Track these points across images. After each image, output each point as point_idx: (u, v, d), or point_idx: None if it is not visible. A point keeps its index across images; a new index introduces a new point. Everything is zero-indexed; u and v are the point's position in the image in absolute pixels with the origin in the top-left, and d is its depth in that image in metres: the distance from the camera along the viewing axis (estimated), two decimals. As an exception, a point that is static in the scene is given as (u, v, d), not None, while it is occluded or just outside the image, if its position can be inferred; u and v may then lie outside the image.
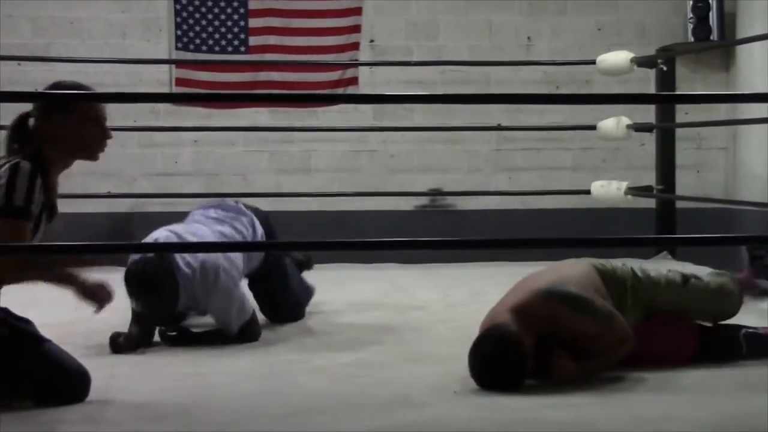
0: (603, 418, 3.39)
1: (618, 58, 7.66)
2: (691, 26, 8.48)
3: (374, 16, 8.54)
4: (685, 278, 4.20)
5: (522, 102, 9.07)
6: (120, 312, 5.35)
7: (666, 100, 7.35)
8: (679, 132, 8.24)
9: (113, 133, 3.85)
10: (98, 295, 3.83)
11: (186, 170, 8.46)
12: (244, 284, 5.08)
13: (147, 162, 8.36)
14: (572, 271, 4.06)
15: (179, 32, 8.16)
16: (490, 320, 3.94)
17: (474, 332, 3.94)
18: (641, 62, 7.64)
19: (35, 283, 3.61)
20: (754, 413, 3.42)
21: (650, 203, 8.04)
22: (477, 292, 6.29)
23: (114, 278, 6.75)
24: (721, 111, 8.74)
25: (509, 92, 8.45)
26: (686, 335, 4.18)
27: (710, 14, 8.42)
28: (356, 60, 8.38)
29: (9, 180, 3.50)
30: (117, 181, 8.21)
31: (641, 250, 7.61)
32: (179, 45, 8.16)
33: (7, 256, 3.45)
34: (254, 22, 8.28)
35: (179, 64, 8.14)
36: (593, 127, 7.95)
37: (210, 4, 8.18)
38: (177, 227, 4.97)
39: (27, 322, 3.66)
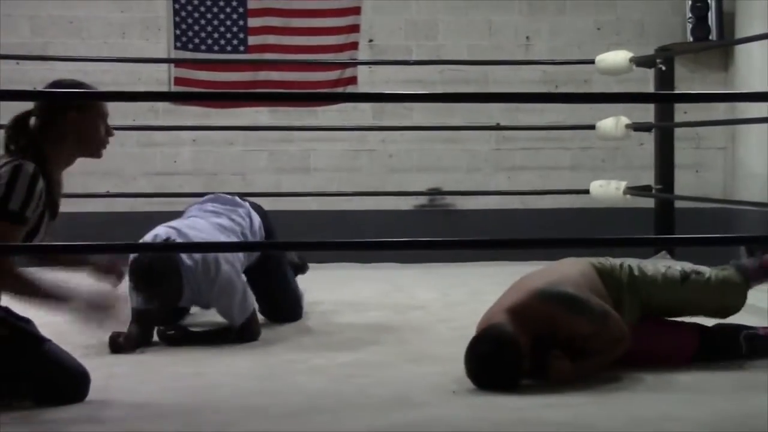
0: (601, 417, 3.40)
1: (617, 57, 7.66)
2: (690, 26, 8.49)
3: (373, 15, 8.54)
4: (685, 275, 4.18)
5: (521, 101, 9.08)
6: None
7: (665, 99, 7.34)
8: (678, 132, 8.24)
9: (113, 131, 3.87)
10: (113, 271, 3.85)
11: (185, 169, 8.46)
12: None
13: (146, 161, 8.36)
14: (569, 271, 4.06)
15: (178, 31, 8.15)
16: (487, 320, 3.95)
17: (473, 332, 3.95)
18: (640, 62, 7.64)
19: (29, 299, 3.56)
20: (753, 413, 3.43)
21: (649, 203, 8.04)
22: (476, 292, 6.29)
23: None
24: (720, 111, 8.75)
25: (508, 92, 8.46)
26: (687, 335, 4.18)
27: (709, 14, 8.43)
28: (355, 59, 8.37)
29: (9, 182, 3.49)
30: (116, 180, 8.21)
31: (640, 249, 7.61)
32: (178, 44, 8.16)
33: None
34: (253, 22, 8.27)
35: (178, 63, 8.14)
36: (592, 127, 7.96)
37: (209, 3, 8.18)
38: (175, 223, 5.02)
39: (27, 321, 3.66)
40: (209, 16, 8.18)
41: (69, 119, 3.68)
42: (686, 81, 8.60)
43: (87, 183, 7.68)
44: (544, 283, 3.94)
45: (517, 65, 8.55)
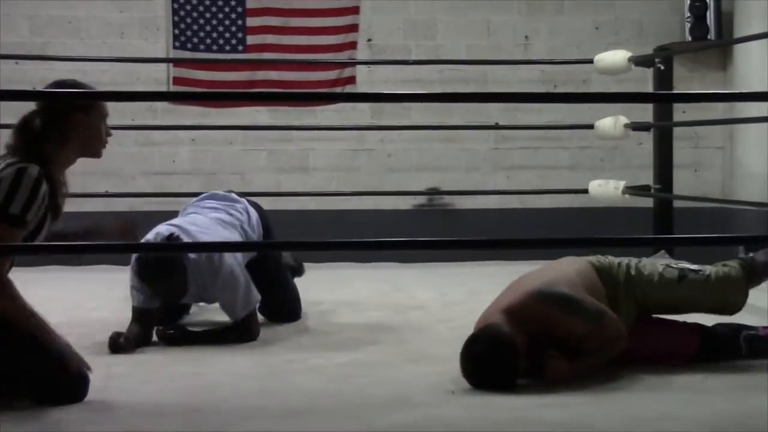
0: (600, 417, 3.40)
1: (615, 57, 7.66)
2: (688, 25, 8.49)
3: (372, 15, 8.54)
4: (683, 274, 4.17)
5: (520, 101, 9.08)
6: (118, 312, 5.38)
7: (663, 99, 7.33)
8: (677, 131, 8.24)
9: (111, 131, 3.90)
10: (126, 231, 3.97)
11: (184, 169, 8.46)
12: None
13: (145, 161, 8.36)
14: (566, 270, 4.07)
15: (177, 31, 8.15)
16: (484, 321, 3.96)
17: (471, 332, 3.95)
18: (639, 61, 7.63)
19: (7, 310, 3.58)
20: (753, 413, 3.43)
21: (648, 202, 8.03)
22: (475, 292, 6.29)
23: (113, 278, 6.79)
24: (719, 110, 8.75)
25: (507, 91, 8.46)
26: (687, 336, 4.18)
27: (708, 13, 8.43)
28: (354, 59, 8.37)
29: (12, 184, 3.51)
30: (115, 180, 8.21)
31: (639, 249, 7.61)
32: (177, 44, 8.15)
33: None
34: (252, 21, 8.27)
35: (177, 63, 8.13)
36: (591, 126, 7.95)
37: (208, 3, 8.17)
38: (176, 221, 5.07)
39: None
40: (208, 15, 8.17)
41: (74, 120, 3.70)
42: (685, 80, 8.60)
43: (86, 183, 7.68)
44: (539, 283, 3.94)
45: (516, 65, 8.55)
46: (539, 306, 3.86)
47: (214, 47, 8.19)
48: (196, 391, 3.83)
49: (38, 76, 7.97)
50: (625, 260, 4.24)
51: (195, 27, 8.16)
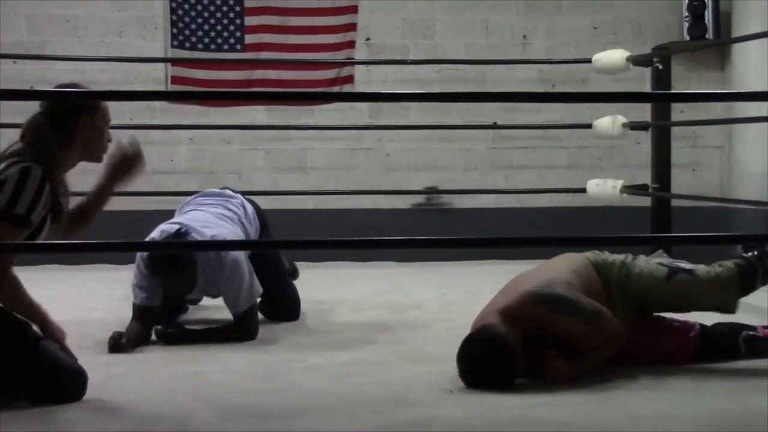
0: (599, 416, 3.40)
1: (614, 56, 7.66)
2: (686, 25, 8.49)
3: (370, 14, 8.54)
4: (672, 272, 4.15)
5: (518, 100, 9.08)
6: (117, 311, 5.39)
7: (661, 98, 7.33)
8: (675, 130, 8.24)
9: (111, 136, 3.93)
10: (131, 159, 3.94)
11: (182, 168, 8.46)
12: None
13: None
14: (563, 269, 4.07)
15: (175, 30, 8.15)
16: (480, 321, 3.96)
17: (469, 331, 3.95)
18: (637, 61, 7.64)
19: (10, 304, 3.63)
20: (752, 412, 3.43)
21: (646, 202, 8.03)
22: (473, 291, 6.30)
23: (113, 277, 6.79)
24: (717, 110, 8.75)
25: (505, 91, 8.46)
26: (687, 336, 4.18)
27: (706, 13, 8.43)
28: (352, 58, 8.37)
29: (17, 184, 3.53)
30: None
31: (637, 248, 7.61)
32: (175, 43, 8.16)
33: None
34: (250, 20, 8.27)
35: (175, 62, 8.13)
36: (589, 126, 7.96)
37: (206, 2, 8.18)
38: (177, 219, 5.08)
39: (25, 320, 3.67)
40: (206, 14, 8.17)
41: (79, 122, 3.72)
42: (683, 80, 8.61)
43: (83, 182, 7.66)
44: (535, 284, 3.95)
45: (514, 64, 8.55)
46: (535, 307, 3.87)
47: (213, 46, 8.19)
48: (194, 391, 3.83)
49: (36, 76, 7.99)
50: (620, 257, 4.23)
51: (193, 26, 8.16)
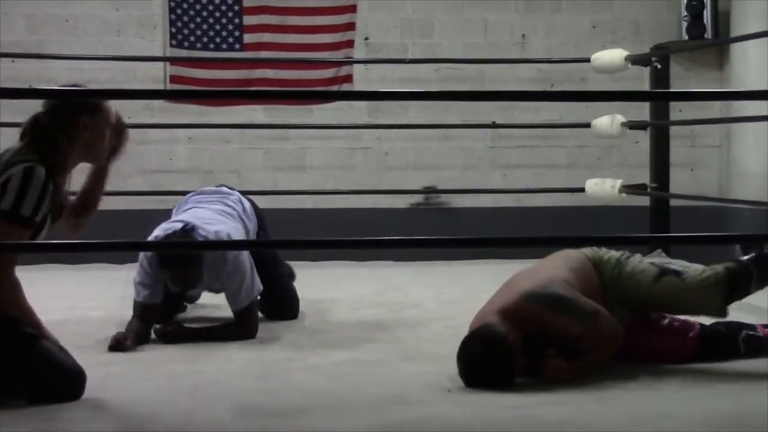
0: (598, 415, 3.40)
1: (612, 55, 7.66)
2: (685, 24, 8.49)
3: (369, 13, 8.53)
4: (661, 274, 4.13)
5: (517, 99, 9.07)
6: (116, 310, 5.39)
7: (660, 97, 7.34)
8: (673, 130, 8.24)
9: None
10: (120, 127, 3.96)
11: (180, 167, 8.46)
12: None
13: (141, 159, 8.34)
14: (560, 268, 4.07)
15: (173, 29, 8.14)
16: (479, 321, 3.96)
17: (468, 330, 3.96)
18: (635, 60, 7.64)
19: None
20: (751, 412, 3.44)
21: (644, 201, 8.03)
22: (471, 290, 6.29)
23: (112, 276, 6.80)
24: (715, 109, 8.75)
25: (504, 90, 8.46)
26: (686, 335, 4.18)
27: (704, 12, 8.43)
28: (351, 57, 8.37)
29: (21, 185, 3.54)
30: (111, 178, 8.17)
31: (635, 248, 7.62)
32: (174, 42, 8.15)
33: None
34: (249, 20, 8.26)
35: (174, 61, 8.13)
36: (588, 125, 7.95)
37: (204, 1, 8.17)
38: (181, 216, 5.08)
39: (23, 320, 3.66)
40: (205, 13, 8.17)
41: (79, 122, 3.72)
42: (681, 79, 8.61)
43: (81, 181, 7.67)
44: (533, 284, 3.95)
45: (513, 63, 8.55)
46: (534, 307, 3.87)
47: (211, 45, 8.19)
48: (193, 389, 3.83)
49: (35, 75, 7.98)
50: (615, 255, 4.21)
51: (192, 25, 8.15)
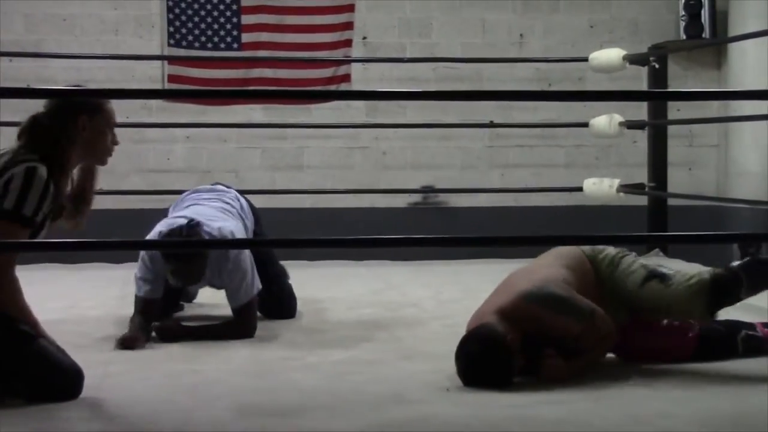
0: (597, 415, 3.40)
1: (610, 55, 7.68)
2: (683, 24, 8.50)
3: (367, 13, 8.54)
4: (647, 278, 4.09)
5: (515, 99, 9.08)
6: (115, 309, 5.39)
7: (658, 97, 7.36)
8: (671, 129, 8.26)
9: (119, 140, 3.94)
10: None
11: (178, 167, 8.46)
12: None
13: (139, 158, 8.35)
14: (558, 266, 4.06)
15: (171, 29, 8.14)
16: (476, 321, 3.96)
17: (465, 330, 3.96)
18: (633, 60, 7.65)
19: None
20: (749, 412, 3.43)
21: (642, 200, 8.06)
22: (469, 289, 6.29)
23: (110, 275, 6.79)
24: (713, 108, 8.76)
25: (502, 89, 8.46)
26: (685, 335, 4.17)
27: (702, 12, 8.44)
28: (349, 57, 8.37)
29: (24, 185, 3.54)
30: (109, 177, 8.15)
31: (633, 247, 7.62)
32: (171, 41, 8.15)
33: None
34: (247, 19, 8.26)
35: (171, 60, 8.13)
36: (586, 125, 7.97)
37: (202, 0, 8.17)
38: (183, 212, 5.08)
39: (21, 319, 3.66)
40: (203, 13, 8.17)
41: (78, 122, 3.72)
42: (679, 79, 8.62)
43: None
44: (530, 284, 3.94)
45: (511, 63, 8.55)
46: (531, 307, 3.86)
47: (209, 45, 8.19)
48: (192, 388, 3.82)
49: (33, 74, 7.99)
50: (611, 253, 4.19)
51: (190, 24, 8.15)
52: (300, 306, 5.56)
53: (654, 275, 4.07)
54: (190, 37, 8.16)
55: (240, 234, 5.04)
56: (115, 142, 3.90)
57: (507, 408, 3.47)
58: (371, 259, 7.77)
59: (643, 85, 8.12)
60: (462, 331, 3.94)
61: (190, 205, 5.27)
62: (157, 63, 8.21)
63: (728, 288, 4.03)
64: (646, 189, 7.85)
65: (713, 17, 8.45)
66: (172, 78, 8.12)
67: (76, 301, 5.98)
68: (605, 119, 7.72)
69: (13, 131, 3.84)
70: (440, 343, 4.46)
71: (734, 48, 8.42)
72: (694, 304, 4.01)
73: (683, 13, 8.48)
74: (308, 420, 3.38)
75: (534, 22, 8.76)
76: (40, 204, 3.56)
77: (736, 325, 4.26)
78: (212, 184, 5.69)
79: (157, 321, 4.85)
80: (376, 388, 3.80)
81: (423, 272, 7.31)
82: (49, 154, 3.64)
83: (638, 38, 8.66)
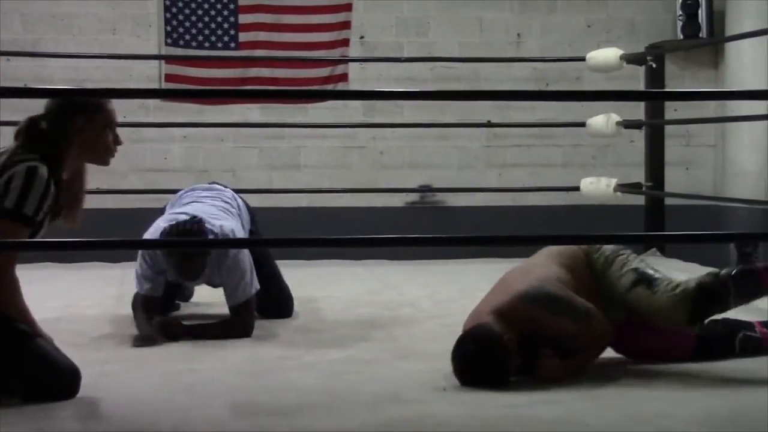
0: (593, 414, 3.40)
1: (607, 55, 7.68)
2: (680, 24, 8.51)
3: (364, 12, 8.54)
4: (635, 282, 4.07)
5: (512, 99, 9.08)
6: (112, 309, 5.39)
7: (655, 97, 7.36)
8: (668, 129, 8.26)
9: (121, 140, 3.95)
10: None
11: (176, 166, 8.46)
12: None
13: (136, 158, 8.35)
14: (553, 265, 4.06)
15: (169, 28, 8.14)
16: (472, 321, 3.96)
17: (462, 330, 3.96)
18: (631, 59, 7.65)
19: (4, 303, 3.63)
20: (747, 412, 3.43)
21: (639, 200, 8.06)
22: (466, 289, 6.29)
23: (107, 275, 6.79)
24: (710, 108, 8.77)
25: (499, 89, 8.47)
26: (683, 335, 4.17)
27: (699, 12, 8.45)
28: (346, 56, 8.37)
29: (25, 184, 3.54)
30: (106, 177, 8.16)
31: (630, 247, 7.63)
32: (169, 41, 8.14)
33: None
34: (244, 18, 8.26)
35: (169, 60, 8.13)
36: (583, 124, 7.97)
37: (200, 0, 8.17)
38: (184, 209, 5.07)
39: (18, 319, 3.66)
40: (200, 12, 8.17)
41: (75, 123, 3.72)
42: (676, 78, 8.63)
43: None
44: (526, 284, 3.94)
45: (508, 62, 8.56)
46: (527, 307, 3.86)
47: (207, 44, 8.19)
48: (189, 388, 3.82)
49: (31, 73, 7.99)
50: (606, 252, 4.17)
51: (187, 24, 8.15)
52: (297, 305, 5.56)
53: (642, 280, 4.03)
54: (188, 37, 8.16)
55: (239, 233, 5.05)
56: (117, 142, 3.91)
57: (503, 407, 3.48)
58: (368, 259, 7.77)
59: (640, 85, 8.12)
60: (459, 331, 3.95)
61: (190, 203, 5.27)
62: (155, 62, 8.21)
63: (714, 297, 3.99)
64: (644, 188, 7.85)
65: (710, 17, 8.46)
66: (169, 77, 8.12)
67: (74, 300, 5.98)
68: (602, 119, 7.72)
69: (11, 130, 3.85)
70: (437, 343, 4.46)
71: (731, 48, 8.43)
72: (677, 313, 3.97)
73: (680, 12, 8.49)
74: (305, 419, 3.38)
75: (531, 22, 8.76)
76: (40, 203, 3.56)
77: (734, 326, 4.26)
78: (209, 184, 5.70)
79: (159, 317, 4.86)
80: (372, 388, 3.80)
81: (420, 272, 7.31)
82: (47, 155, 3.65)
83: (635, 38, 8.67)
